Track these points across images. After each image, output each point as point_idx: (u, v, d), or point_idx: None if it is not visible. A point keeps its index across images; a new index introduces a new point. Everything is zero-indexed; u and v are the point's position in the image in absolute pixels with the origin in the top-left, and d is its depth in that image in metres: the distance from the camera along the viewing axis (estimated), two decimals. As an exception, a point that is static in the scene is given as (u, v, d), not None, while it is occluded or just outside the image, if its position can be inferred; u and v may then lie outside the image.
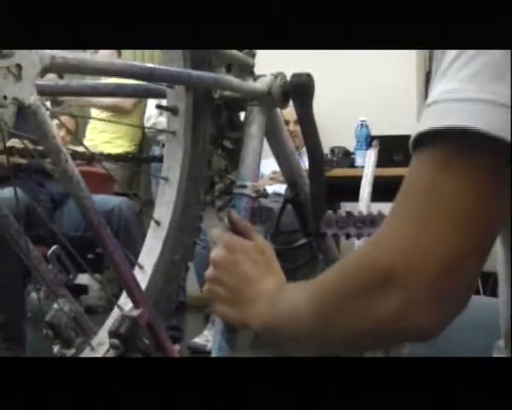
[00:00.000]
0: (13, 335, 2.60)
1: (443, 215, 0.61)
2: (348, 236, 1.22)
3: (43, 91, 0.80)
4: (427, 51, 3.93)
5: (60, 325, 1.00)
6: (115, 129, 4.22)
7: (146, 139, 4.38)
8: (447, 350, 1.08)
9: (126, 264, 0.89)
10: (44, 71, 0.76)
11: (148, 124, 4.10)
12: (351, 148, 3.95)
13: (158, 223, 1.10)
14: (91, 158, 1.22)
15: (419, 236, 0.62)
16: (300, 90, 1.21)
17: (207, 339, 3.37)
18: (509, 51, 0.60)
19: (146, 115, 4.09)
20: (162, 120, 3.92)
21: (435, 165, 0.62)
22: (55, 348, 1.01)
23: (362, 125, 3.84)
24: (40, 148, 0.89)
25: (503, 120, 0.58)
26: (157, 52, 4.26)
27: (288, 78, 1.21)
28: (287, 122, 1.38)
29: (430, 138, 0.62)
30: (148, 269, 1.08)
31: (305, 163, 1.34)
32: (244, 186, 1.10)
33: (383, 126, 3.63)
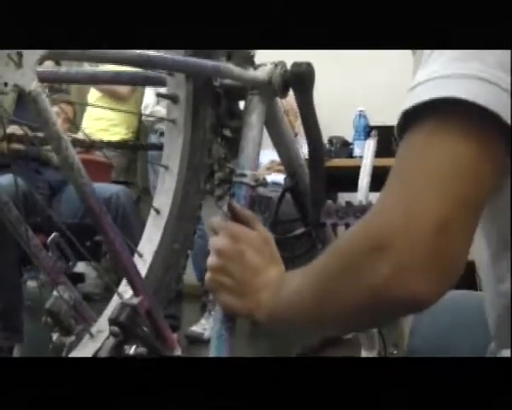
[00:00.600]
0: (10, 324, 2.60)
1: (430, 181, 0.64)
2: (347, 225, 1.22)
3: (43, 78, 0.79)
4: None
5: (59, 312, 1.00)
6: (112, 116, 4.22)
7: (143, 127, 4.37)
8: (447, 348, 1.09)
9: (127, 252, 0.89)
10: (44, 58, 0.76)
11: (146, 112, 4.10)
12: (349, 138, 3.95)
13: (158, 211, 1.10)
14: (91, 145, 1.22)
15: (407, 202, 0.64)
16: (301, 79, 1.20)
17: (204, 328, 3.38)
18: None
19: (143, 104, 4.09)
20: (160, 109, 3.92)
21: (423, 136, 0.65)
22: (55, 336, 1.01)
23: (360, 115, 3.84)
24: (40, 135, 0.89)
25: (483, 91, 0.63)
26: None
27: (289, 67, 1.20)
28: (286, 112, 1.37)
29: (416, 115, 0.66)
30: (148, 257, 1.08)
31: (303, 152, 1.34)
32: (244, 175, 1.10)
33: (382, 117, 3.62)
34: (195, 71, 1.05)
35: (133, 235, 2.44)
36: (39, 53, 0.75)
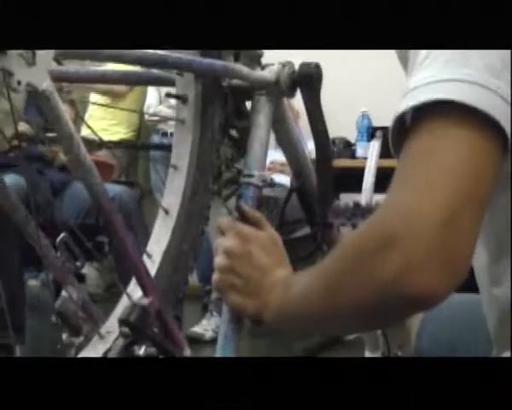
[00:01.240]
0: (12, 322, 2.60)
1: (436, 178, 0.65)
2: (355, 226, 1.22)
3: (54, 77, 0.79)
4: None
5: (68, 313, 1.00)
6: (112, 116, 4.22)
7: (145, 128, 4.38)
8: (455, 350, 1.09)
9: (137, 252, 0.89)
10: (58, 56, 0.76)
11: (148, 112, 4.10)
12: (352, 139, 3.95)
13: (166, 211, 1.10)
14: (98, 145, 1.22)
15: (415, 199, 0.65)
16: (309, 79, 1.20)
17: (206, 328, 3.38)
18: None
19: (146, 104, 4.10)
20: (162, 108, 3.93)
21: (428, 135, 0.67)
22: (64, 336, 1.01)
23: (363, 116, 3.83)
24: (49, 134, 0.89)
25: (476, 93, 0.66)
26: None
27: (296, 67, 1.20)
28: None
29: (417, 116, 0.68)
30: (157, 258, 1.07)
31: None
32: (251, 175, 1.10)
33: (385, 118, 3.61)
34: (205, 71, 1.05)
35: (137, 235, 2.44)
36: (52, 51, 0.74)
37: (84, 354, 1.01)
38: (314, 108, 1.23)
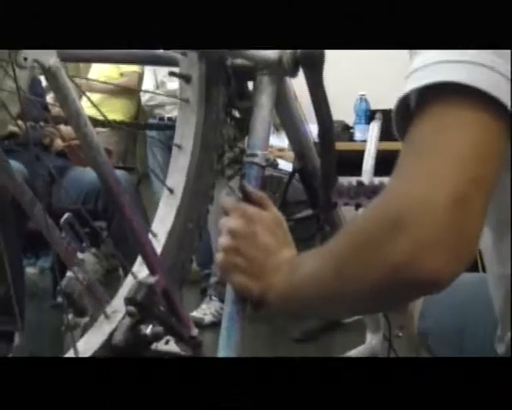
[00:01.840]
0: (13, 309, 2.59)
1: (444, 159, 0.65)
2: (359, 205, 1.22)
3: (60, 56, 0.78)
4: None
5: (73, 293, 1.00)
6: (109, 102, 4.20)
7: (142, 112, 4.37)
8: (458, 330, 1.09)
9: (144, 231, 0.88)
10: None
11: (144, 97, 4.09)
12: (350, 122, 3.95)
13: (171, 190, 1.09)
14: (102, 123, 1.22)
15: (423, 180, 0.65)
16: (311, 59, 1.19)
17: (205, 313, 3.37)
18: None
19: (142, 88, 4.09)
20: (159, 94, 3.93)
21: (435, 116, 0.67)
22: (70, 317, 1.01)
23: (361, 99, 3.83)
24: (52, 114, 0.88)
25: (481, 75, 0.66)
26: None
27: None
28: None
29: (421, 97, 0.68)
30: (162, 237, 1.07)
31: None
32: (254, 155, 1.09)
33: (383, 101, 3.61)
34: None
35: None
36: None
37: (90, 334, 1.01)
38: (317, 87, 1.22)
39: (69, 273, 1.01)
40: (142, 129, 3.63)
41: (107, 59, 1.22)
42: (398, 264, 0.65)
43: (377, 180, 1.34)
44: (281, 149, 3.66)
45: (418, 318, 1.19)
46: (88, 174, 2.69)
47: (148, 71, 4.00)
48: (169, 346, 1.01)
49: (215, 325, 3.02)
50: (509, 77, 0.66)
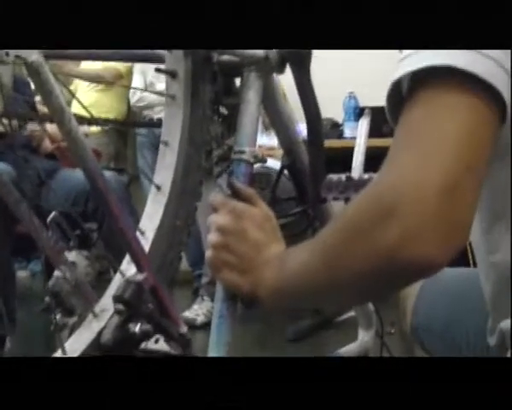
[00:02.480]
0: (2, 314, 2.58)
1: (434, 146, 0.65)
2: (348, 200, 1.22)
3: (44, 54, 0.77)
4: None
5: (61, 292, 0.99)
6: (100, 104, 4.19)
7: (132, 114, 4.36)
8: (450, 325, 1.09)
9: (131, 228, 0.88)
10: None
11: (133, 98, 4.08)
12: (339, 120, 3.95)
13: (158, 187, 1.08)
14: (89, 122, 1.21)
15: (413, 166, 0.65)
16: (298, 56, 1.19)
17: (197, 313, 3.37)
18: None
19: (131, 90, 4.08)
20: (147, 96, 3.92)
21: (424, 103, 0.67)
22: (58, 317, 1.00)
23: (350, 97, 3.84)
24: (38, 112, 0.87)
25: (474, 60, 0.66)
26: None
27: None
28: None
29: (413, 83, 0.68)
30: (150, 234, 1.06)
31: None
32: (242, 152, 1.09)
33: (372, 99, 3.61)
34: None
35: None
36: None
37: (79, 333, 1.00)
38: (304, 82, 1.22)
39: (57, 273, 1.01)
40: (130, 127, 3.63)
41: (91, 57, 1.21)
42: (389, 250, 0.65)
43: (367, 175, 1.34)
44: (270, 148, 3.66)
45: (411, 314, 1.19)
46: (77, 176, 2.68)
47: (137, 72, 3.99)
48: (158, 345, 1.00)
49: (207, 326, 3.01)
50: (505, 65, 0.66)
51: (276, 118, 1.33)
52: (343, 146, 3.24)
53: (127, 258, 1.05)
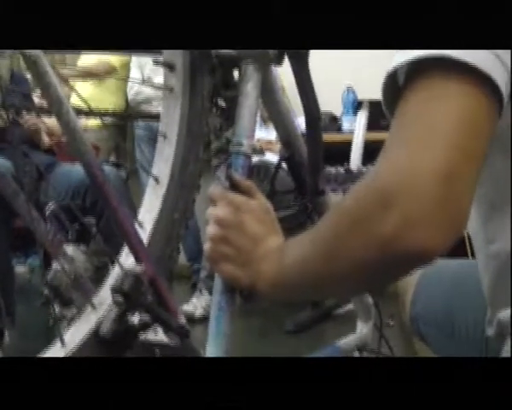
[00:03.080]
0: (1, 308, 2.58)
1: (432, 134, 0.65)
2: (346, 192, 1.22)
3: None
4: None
5: (60, 285, 0.99)
6: (94, 97, 4.18)
7: (130, 109, 4.35)
8: (449, 317, 1.09)
9: (129, 220, 0.88)
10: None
11: (130, 93, 4.07)
12: (337, 113, 3.95)
13: (157, 180, 1.08)
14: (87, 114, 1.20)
15: (411, 154, 0.65)
16: (296, 49, 1.19)
17: (195, 307, 3.38)
18: None
19: (129, 85, 4.07)
20: (145, 90, 3.91)
21: (423, 92, 0.68)
22: (56, 309, 1.00)
23: (348, 90, 3.84)
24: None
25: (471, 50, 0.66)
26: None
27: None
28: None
29: (412, 72, 0.69)
30: (148, 226, 1.06)
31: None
32: (240, 144, 1.09)
33: (370, 92, 3.61)
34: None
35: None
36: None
37: (78, 325, 1.00)
38: (303, 75, 1.22)
39: (55, 265, 1.01)
40: (128, 119, 3.62)
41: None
42: (387, 238, 0.65)
43: (365, 168, 1.34)
44: (269, 142, 3.66)
45: (410, 305, 1.19)
46: (76, 171, 2.68)
47: (135, 66, 3.98)
48: (157, 336, 1.00)
49: (206, 319, 3.02)
50: (502, 57, 0.67)
51: (274, 111, 1.33)
52: (341, 140, 3.25)
53: (126, 250, 1.05)
